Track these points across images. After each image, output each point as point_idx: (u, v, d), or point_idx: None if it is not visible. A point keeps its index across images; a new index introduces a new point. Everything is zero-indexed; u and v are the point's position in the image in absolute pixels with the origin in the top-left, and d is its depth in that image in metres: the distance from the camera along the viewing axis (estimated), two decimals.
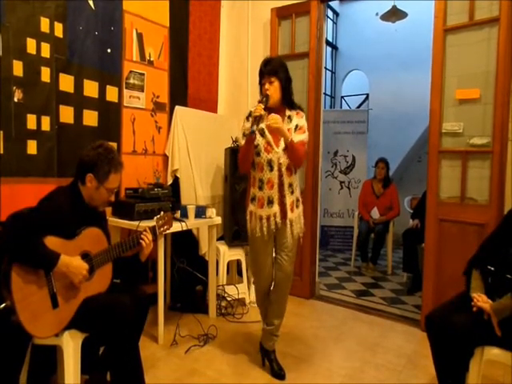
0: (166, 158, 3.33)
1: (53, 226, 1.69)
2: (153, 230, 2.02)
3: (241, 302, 3.29)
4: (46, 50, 2.49)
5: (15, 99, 2.36)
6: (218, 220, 3.01)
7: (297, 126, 2.18)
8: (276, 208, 2.16)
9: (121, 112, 3.01)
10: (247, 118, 2.19)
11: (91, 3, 2.74)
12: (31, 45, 2.42)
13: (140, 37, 3.12)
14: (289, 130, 2.15)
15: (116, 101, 2.97)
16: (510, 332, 1.67)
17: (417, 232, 3.75)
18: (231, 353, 2.52)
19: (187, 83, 3.60)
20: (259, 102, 2.11)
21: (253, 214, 2.24)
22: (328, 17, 6.02)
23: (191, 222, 2.79)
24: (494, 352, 1.74)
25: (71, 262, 1.68)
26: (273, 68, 2.17)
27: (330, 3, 5.34)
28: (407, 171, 6.11)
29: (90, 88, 2.78)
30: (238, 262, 3.46)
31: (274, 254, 2.32)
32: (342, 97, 6.88)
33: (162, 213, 2.14)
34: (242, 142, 2.17)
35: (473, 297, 1.80)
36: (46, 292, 1.66)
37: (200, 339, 2.65)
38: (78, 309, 1.75)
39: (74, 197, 1.83)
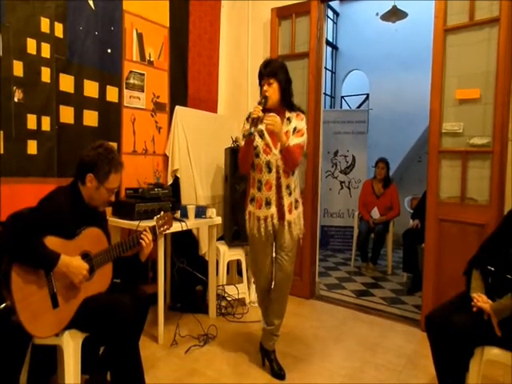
0: (166, 158, 3.33)
1: (53, 225, 1.69)
2: (153, 229, 2.02)
3: (241, 301, 3.29)
4: (46, 50, 2.49)
5: (15, 99, 2.36)
6: (218, 220, 3.01)
7: (295, 128, 2.16)
8: (273, 209, 2.17)
9: (121, 112, 3.01)
10: (247, 120, 2.18)
11: (91, 3, 2.75)
12: (31, 45, 2.42)
13: (140, 37, 3.12)
14: (287, 131, 2.15)
15: (116, 101, 2.97)
16: (510, 332, 1.67)
17: (417, 232, 3.75)
18: (231, 353, 2.52)
19: (187, 83, 3.60)
20: (258, 103, 2.12)
21: (251, 215, 2.26)
22: (328, 17, 6.02)
23: (191, 222, 2.79)
24: (494, 352, 1.74)
25: (71, 261, 1.68)
26: (272, 69, 2.17)
27: (330, 3, 5.33)
28: (407, 171, 6.11)
29: (90, 88, 2.78)
30: (238, 262, 3.46)
31: (274, 255, 2.32)
32: (342, 97, 6.88)
33: (162, 213, 2.14)
34: (242, 143, 2.18)
35: (473, 297, 1.80)
36: (46, 292, 1.66)
37: (200, 339, 2.65)
38: (78, 309, 1.75)
39: (74, 197, 1.83)
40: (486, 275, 1.90)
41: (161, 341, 2.59)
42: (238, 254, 3.32)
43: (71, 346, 1.75)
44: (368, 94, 6.49)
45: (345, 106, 6.82)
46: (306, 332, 2.87)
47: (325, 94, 6.08)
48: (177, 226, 2.57)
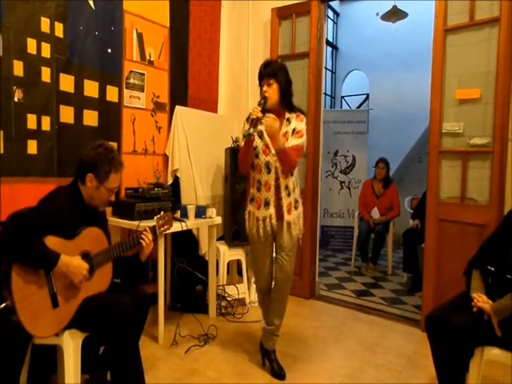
0: (166, 157, 3.33)
1: (53, 225, 1.69)
2: (153, 229, 2.02)
3: (241, 301, 3.29)
4: (46, 50, 2.49)
5: (15, 99, 2.36)
6: (218, 220, 3.01)
7: (294, 129, 2.16)
8: (272, 210, 2.18)
9: (121, 112, 3.01)
10: (247, 120, 2.19)
11: (91, 3, 2.75)
12: (31, 45, 2.42)
13: (140, 37, 3.12)
14: (286, 132, 2.15)
15: (116, 101, 2.97)
16: (510, 332, 1.67)
17: (417, 232, 3.75)
18: (231, 353, 2.52)
19: (187, 83, 3.60)
20: (258, 104, 2.12)
21: (251, 215, 2.27)
22: (328, 17, 6.02)
23: (191, 222, 2.79)
24: (494, 352, 1.74)
25: (71, 261, 1.68)
26: (272, 70, 2.17)
27: (331, 3, 5.33)
28: (407, 171, 6.11)
29: (91, 88, 2.78)
30: (238, 262, 3.46)
31: (274, 255, 2.32)
32: (343, 97, 6.88)
33: (162, 213, 2.14)
34: (242, 143, 2.18)
35: (473, 297, 1.80)
36: (46, 292, 1.66)
37: (200, 339, 2.65)
38: (78, 308, 1.75)
39: (74, 197, 1.83)
40: (486, 275, 1.90)
41: (161, 341, 2.59)
42: (238, 253, 3.32)
43: (71, 346, 1.75)
44: (368, 94, 6.49)
45: (345, 106, 6.82)
46: (306, 332, 2.87)
47: (325, 94, 6.08)
48: (177, 226, 2.57)
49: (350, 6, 6.48)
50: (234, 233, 3.27)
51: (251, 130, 2.02)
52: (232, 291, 3.25)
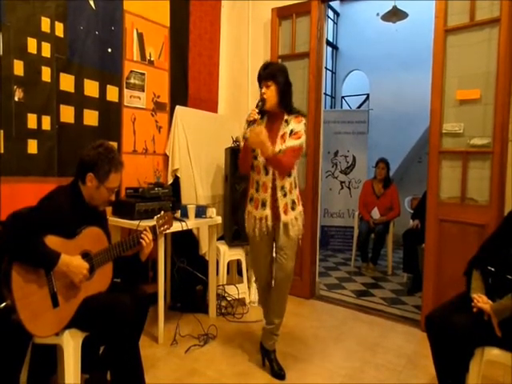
0: (166, 157, 3.33)
1: (53, 225, 1.69)
2: (153, 229, 2.02)
3: (241, 301, 3.29)
4: (46, 50, 2.49)
5: (16, 98, 2.36)
6: (219, 220, 3.01)
7: (292, 130, 2.16)
8: (268, 211, 2.20)
9: (121, 112, 3.01)
10: (247, 121, 2.21)
11: (92, 3, 2.75)
12: (32, 44, 2.42)
13: (140, 37, 3.12)
14: (284, 133, 2.17)
15: (116, 100, 2.97)
16: (510, 333, 1.67)
17: (417, 232, 3.75)
18: (231, 353, 2.53)
19: (187, 83, 3.60)
20: (256, 106, 2.14)
21: (250, 214, 2.30)
22: (328, 17, 6.02)
23: (191, 222, 2.79)
24: (494, 352, 1.74)
25: (71, 261, 1.68)
26: (270, 72, 2.18)
27: (331, 3, 5.32)
28: (407, 171, 6.11)
29: (91, 88, 2.78)
30: (238, 262, 3.46)
31: (274, 254, 2.32)
32: (343, 97, 6.88)
33: (162, 212, 2.14)
34: (242, 144, 2.20)
35: (473, 297, 1.80)
36: (46, 291, 1.66)
37: (200, 339, 2.65)
38: (79, 308, 1.75)
39: (74, 196, 1.83)
40: (486, 276, 1.90)
41: (161, 340, 2.59)
42: (238, 253, 3.32)
43: (71, 346, 1.75)
44: (368, 94, 6.49)
45: (345, 106, 6.83)
46: (306, 332, 2.87)
47: (325, 94, 6.07)
48: (177, 226, 2.57)
49: (350, 6, 6.48)
50: (234, 233, 3.27)
51: (248, 132, 2.05)
52: (232, 291, 3.25)
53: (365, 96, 6.57)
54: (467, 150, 2.72)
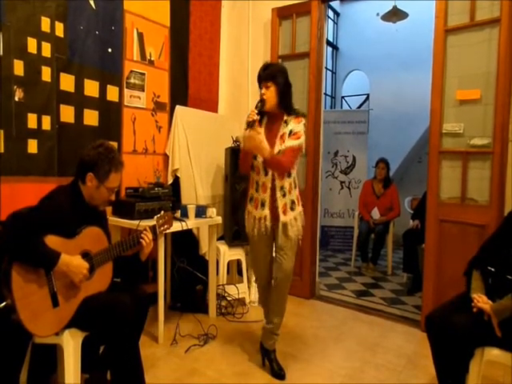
0: (166, 157, 3.33)
1: (53, 225, 1.69)
2: (153, 229, 2.02)
3: (241, 301, 3.29)
4: (46, 50, 2.49)
5: (16, 98, 2.36)
6: (219, 220, 3.01)
7: (291, 131, 2.17)
8: (266, 211, 2.21)
9: (121, 111, 3.01)
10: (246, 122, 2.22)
11: (92, 3, 2.75)
12: (32, 44, 2.42)
13: (141, 36, 3.12)
14: (283, 134, 2.18)
15: (116, 100, 2.97)
16: (510, 333, 1.67)
17: (417, 232, 3.74)
18: (231, 352, 2.53)
19: (188, 83, 3.60)
20: (255, 107, 2.15)
21: (249, 214, 2.31)
22: (329, 17, 6.02)
23: (191, 222, 2.79)
24: (494, 353, 1.74)
25: (71, 261, 1.68)
26: (270, 73, 2.19)
27: (331, 3, 5.31)
28: (408, 172, 6.11)
29: (91, 87, 2.78)
30: (238, 262, 3.46)
31: (274, 254, 2.32)
32: (343, 97, 6.88)
33: (162, 212, 2.15)
34: (243, 145, 2.21)
35: (473, 297, 1.80)
36: (46, 291, 1.66)
37: (200, 339, 2.65)
38: (79, 308, 1.75)
39: (74, 196, 1.83)
40: (486, 276, 1.90)
41: (161, 340, 2.59)
42: (238, 253, 3.32)
43: (71, 345, 1.75)
44: (368, 95, 6.49)
45: (345, 107, 6.83)
46: (306, 332, 2.87)
47: (325, 94, 6.07)
48: (177, 226, 2.57)
49: (350, 6, 6.48)
50: (234, 233, 3.26)
51: (251, 129, 2.05)
52: (232, 291, 3.25)
53: (365, 96, 6.57)
54: (467, 150, 2.72)
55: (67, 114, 2.64)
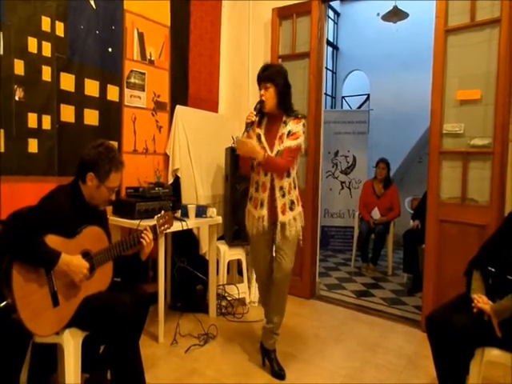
0: (166, 157, 3.33)
1: (53, 224, 1.69)
2: (153, 228, 2.02)
3: (241, 301, 3.29)
4: (47, 49, 2.49)
5: (16, 98, 2.36)
6: (219, 219, 3.01)
7: (289, 131, 2.19)
8: (265, 211, 2.23)
9: (122, 111, 3.01)
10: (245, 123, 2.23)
11: (92, 2, 2.75)
12: (32, 44, 2.42)
13: (141, 36, 3.12)
14: (282, 134, 2.19)
15: (117, 100, 2.97)
16: (511, 333, 1.67)
17: (417, 233, 3.74)
18: (231, 352, 2.52)
19: (188, 83, 3.60)
20: (254, 108, 2.18)
21: (249, 213, 2.33)
22: (329, 17, 6.02)
23: (192, 222, 2.79)
24: (494, 353, 1.74)
25: (72, 260, 1.68)
26: (269, 74, 2.21)
27: (331, 3, 5.31)
28: (408, 172, 6.11)
29: (91, 87, 2.78)
30: (239, 262, 3.46)
31: (274, 253, 2.33)
32: (343, 97, 6.88)
33: (162, 212, 2.15)
34: None
35: (473, 298, 1.80)
36: (46, 290, 1.66)
37: (200, 338, 2.65)
38: (79, 307, 1.75)
39: (74, 196, 1.83)
40: (486, 276, 1.90)
41: (161, 340, 2.59)
42: (238, 253, 3.32)
43: (71, 345, 1.75)
44: (369, 95, 6.49)
45: (345, 107, 6.82)
46: (307, 332, 2.87)
47: (325, 94, 6.07)
48: (177, 226, 2.57)
49: (350, 6, 6.48)
50: (234, 232, 3.26)
51: (245, 134, 2.11)
52: (232, 291, 3.25)
53: (365, 96, 6.57)
54: (467, 150, 2.72)
55: (67, 113, 2.64)
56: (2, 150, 2.30)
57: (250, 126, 2.14)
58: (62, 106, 2.60)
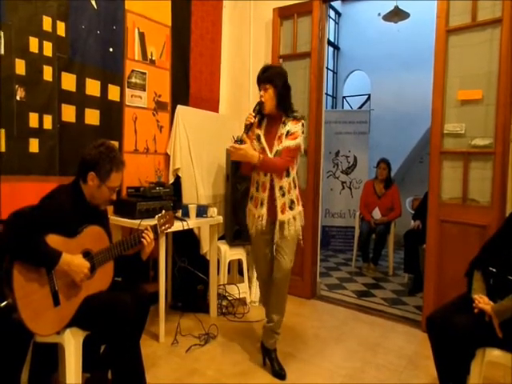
0: (167, 156, 3.34)
1: (54, 224, 1.69)
2: (154, 228, 2.03)
3: (242, 301, 3.29)
4: (48, 49, 2.49)
5: (17, 98, 2.36)
6: (220, 219, 3.01)
7: (288, 131, 2.20)
8: (264, 211, 2.24)
9: (123, 111, 3.02)
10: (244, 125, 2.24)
11: (93, 2, 2.75)
12: (33, 43, 2.42)
13: (142, 36, 3.13)
14: (281, 135, 2.21)
15: (118, 100, 2.97)
16: (511, 334, 1.66)
17: (418, 233, 3.74)
18: (232, 352, 2.53)
19: (189, 83, 3.60)
20: (253, 109, 2.20)
21: (250, 212, 2.36)
22: (330, 17, 6.02)
23: (192, 221, 2.79)
24: (494, 353, 1.73)
25: (72, 260, 1.68)
26: (268, 75, 2.22)
27: (332, 3, 5.32)
28: (409, 172, 6.11)
29: (92, 87, 2.78)
30: (239, 262, 3.46)
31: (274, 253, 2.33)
32: (344, 97, 6.88)
33: (163, 212, 2.15)
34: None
35: (474, 298, 1.79)
36: (47, 290, 1.66)
37: (201, 338, 2.65)
38: (80, 307, 1.75)
39: (75, 195, 1.83)
40: (487, 276, 1.90)
41: (162, 340, 2.59)
42: (239, 253, 3.32)
43: (72, 344, 1.75)
44: (369, 95, 6.49)
45: (346, 107, 6.82)
46: (307, 332, 2.87)
47: (326, 94, 6.07)
48: (178, 225, 2.57)
49: (351, 6, 6.47)
50: (235, 232, 3.26)
51: (244, 135, 2.14)
52: (233, 291, 3.25)
53: (366, 96, 6.57)
54: (469, 150, 2.72)
55: (68, 113, 2.64)
56: (3, 150, 2.31)
57: (248, 127, 2.16)
58: (63, 105, 2.61)
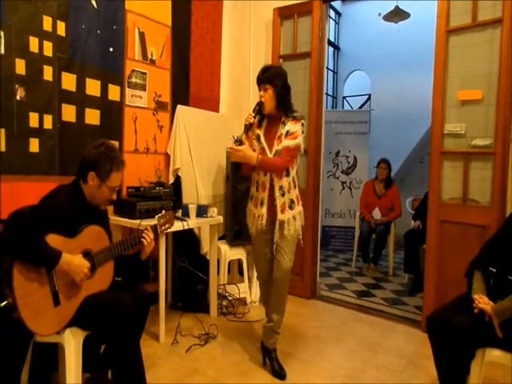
0: (167, 156, 3.34)
1: (54, 224, 1.69)
2: (154, 228, 2.03)
3: (242, 301, 3.29)
4: (48, 49, 2.49)
5: (18, 97, 2.36)
6: (220, 219, 3.01)
7: (288, 131, 2.21)
8: (264, 210, 2.25)
9: (123, 111, 3.02)
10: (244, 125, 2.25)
11: (93, 2, 2.75)
12: (34, 43, 2.42)
13: (142, 36, 3.13)
14: (281, 135, 2.21)
15: (118, 99, 2.97)
16: (511, 334, 1.66)
17: (418, 233, 3.74)
18: (232, 352, 2.52)
19: (189, 82, 3.60)
20: (253, 110, 2.21)
21: (250, 212, 2.37)
22: (330, 17, 6.02)
23: (192, 221, 2.79)
24: (494, 354, 1.73)
25: (73, 260, 1.68)
26: (268, 76, 2.23)
27: (333, 3, 5.32)
28: (409, 172, 6.10)
29: (92, 87, 2.79)
30: (239, 262, 3.46)
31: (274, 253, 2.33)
32: (344, 97, 6.88)
33: (163, 211, 2.15)
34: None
35: (474, 298, 1.79)
36: (47, 290, 1.66)
37: (201, 338, 2.65)
38: (80, 307, 1.75)
39: (75, 195, 1.83)
40: (487, 277, 1.90)
41: (162, 339, 2.59)
42: (239, 253, 3.32)
43: (72, 344, 1.75)
44: (370, 95, 6.49)
45: (346, 107, 6.82)
46: (307, 332, 2.87)
47: (326, 94, 6.06)
48: (178, 225, 2.57)
49: (352, 6, 6.48)
50: (235, 232, 3.26)
51: (243, 136, 2.15)
52: (233, 291, 3.25)
53: (366, 96, 6.57)
54: (469, 150, 2.72)
55: (69, 113, 2.64)
56: (4, 150, 2.31)
57: (248, 127, 2.17)
58: (64, 105, 2.61)
